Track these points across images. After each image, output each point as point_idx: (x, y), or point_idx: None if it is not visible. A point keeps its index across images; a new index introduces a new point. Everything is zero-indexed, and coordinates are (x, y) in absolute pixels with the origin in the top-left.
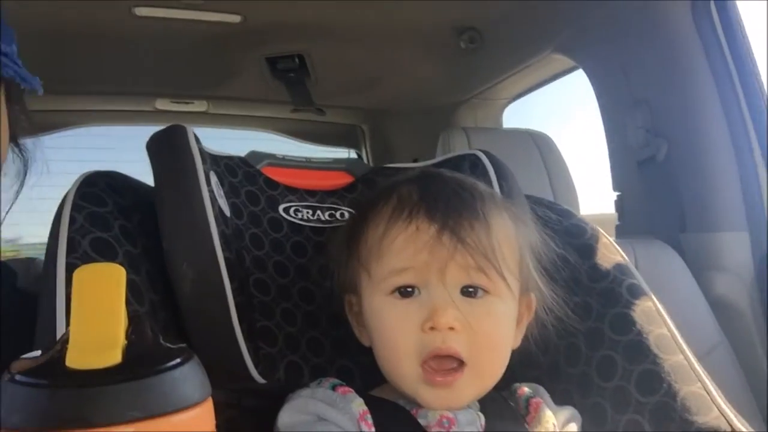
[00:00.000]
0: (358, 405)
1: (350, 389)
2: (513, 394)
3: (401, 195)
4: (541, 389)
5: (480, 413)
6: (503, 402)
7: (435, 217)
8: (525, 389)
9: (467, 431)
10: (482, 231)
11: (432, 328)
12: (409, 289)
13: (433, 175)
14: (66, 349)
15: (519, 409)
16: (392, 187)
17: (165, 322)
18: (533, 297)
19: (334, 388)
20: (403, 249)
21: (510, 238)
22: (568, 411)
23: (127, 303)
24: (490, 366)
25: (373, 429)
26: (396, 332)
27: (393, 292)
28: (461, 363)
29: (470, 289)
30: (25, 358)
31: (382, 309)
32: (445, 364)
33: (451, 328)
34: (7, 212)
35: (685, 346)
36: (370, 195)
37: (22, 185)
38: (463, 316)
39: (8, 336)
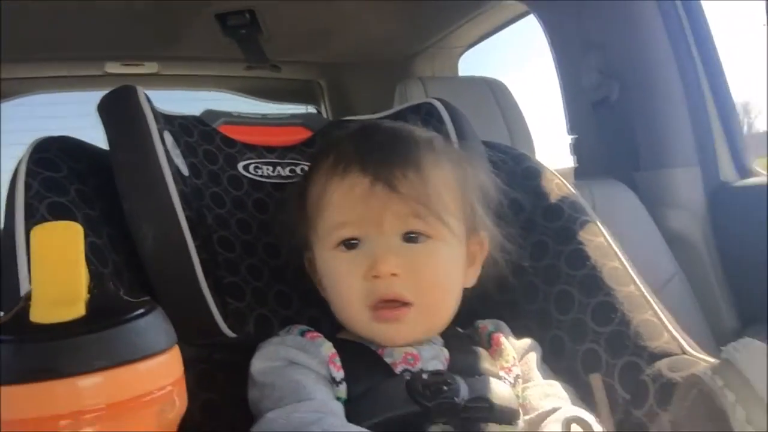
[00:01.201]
0: (327, 348)
1: (319, 334)
2: (476, 330)
3: (339, 151)
4: (503, 324)
5: (444, 348)
6: (466, 338)
7: (368, 170)
8: (487, 326)
9: (431, 365)
10: (416, 178)
11: (375, 277)
12: (354, 242)
13: (371, 126)
14: (29, 305)
15: (482, 344)
16: (331, 143)
17: (130, 282)
18: (484, 236)
19: (302, 334)
20: (340, 204)
21: (449, 181)
22: (526, 342)
23: (90, 265)
24: (436, 305)
25: (341, 371)
26: (344, 282)
27: (338, 245)
28: (407, 303)
29: (412, 235)
30: None
31: (329, 262)
32: (393, 305)
33: (394, 275)
34: None
35: (636, 278)
36: (315, 152)
37: None
38: (405, 262)
39: None
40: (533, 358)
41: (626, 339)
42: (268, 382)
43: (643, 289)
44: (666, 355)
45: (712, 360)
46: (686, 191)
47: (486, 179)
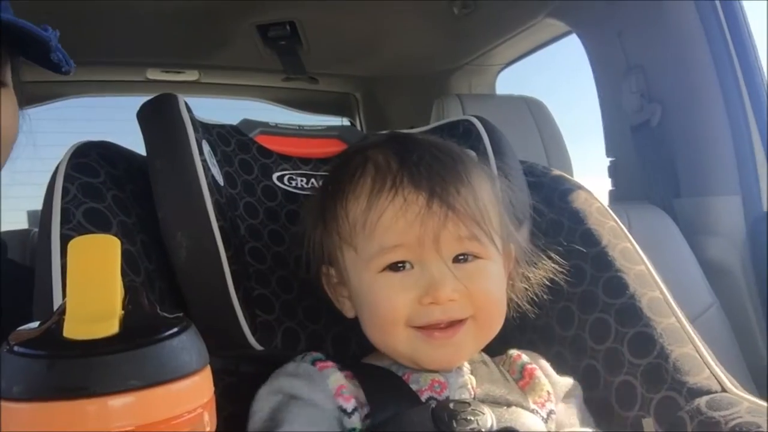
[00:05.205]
0: (335, 381)
1: (330, 364)
2: (509, 359)
3: (377, 163)
4: (542, 360)
5: (471, 376)
6: (494, 367)
7: (421, 184)
8: (522, 356)
9: (458, 394)
10: (469, 195)
11: (432, 303)
12: (400, 264)
13: (405, 138)
14: (63, 320)
15: (512, 374)
16: (365, 154)
17: (161, 291)
18: (512, 246)
19: (313, 363)
20: (392, 224)
21: (491, 197)
22: (569, 381)
23: (123, 273)
24: (489, 319)
25: (352, 401)
26: (391, 305)
27: (385, 268)
28: (461, 320)
29: (461, 257)
30: (23, 330)
31: (374, 285)
32: (448, 327)
33: (451, 300)
34: None
35: (677, 309)
36: (340, 163)
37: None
38: (460, 286)
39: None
40: (578, 402)
41: (664, 373)
42: (276, 418)
43: (684, 320)
44: (706, 392)
45: (754, 399)
46: (726, 220)
47: (514, 192)
